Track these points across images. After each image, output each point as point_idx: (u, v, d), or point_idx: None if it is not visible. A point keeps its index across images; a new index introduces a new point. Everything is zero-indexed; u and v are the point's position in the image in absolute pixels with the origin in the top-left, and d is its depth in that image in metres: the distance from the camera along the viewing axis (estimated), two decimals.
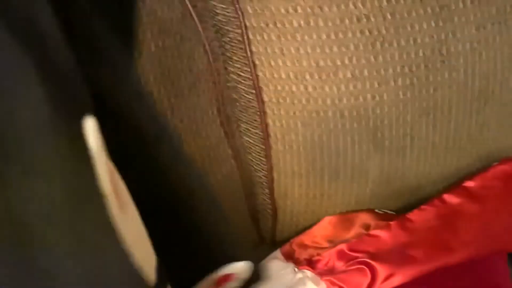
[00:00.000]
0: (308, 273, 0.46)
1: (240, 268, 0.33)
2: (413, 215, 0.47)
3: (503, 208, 0.46)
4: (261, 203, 0.54)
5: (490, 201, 0.47)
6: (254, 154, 0.50)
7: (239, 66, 0.45)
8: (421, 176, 0.50)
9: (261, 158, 0.50)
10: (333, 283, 0.43)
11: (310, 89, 0.44)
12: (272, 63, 0.44)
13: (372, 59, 0.43)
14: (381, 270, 0.42)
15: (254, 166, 0.51)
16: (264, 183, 0.52)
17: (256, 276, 0.47)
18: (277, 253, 0.50)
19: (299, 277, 0.46)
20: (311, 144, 0.47)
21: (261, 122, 0.47)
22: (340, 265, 0.45)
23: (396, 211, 0.51)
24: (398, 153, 0.48)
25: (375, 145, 0.47)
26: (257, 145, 0.49)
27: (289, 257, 0.49)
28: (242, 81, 0.46)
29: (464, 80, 0.46)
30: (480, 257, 0.43)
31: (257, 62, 0.44)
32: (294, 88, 0.44)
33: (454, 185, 0.49)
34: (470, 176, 0.49)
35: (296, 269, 0.48)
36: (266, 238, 0.56)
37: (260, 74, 0.45)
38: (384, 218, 0.49)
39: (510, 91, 0.48)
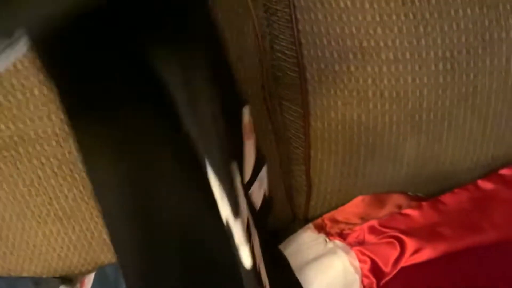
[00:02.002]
0: (339, 243, 0.48)
1: None
2: (446, 197, 0.48)
3: None
4: (296, 180, 0.56)
5: None
6: (293, 131, 0.52)
7: (285, 44, 0.48)
8: (456, 162, 0.51)
9: (299, 135, 0.52)
10: (363, 253, 0.45)
11: (352, 68, 0.46)
12: (317, 42, 0.46)
13: (415, 42, 0.45)
14: (410, 244, 0.44)
15: (293, 143, 0.53)
16: (301, 160, 0.54)
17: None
18: (309, 225, 0.52)
19: (330, 246, 0.48)
20: (350, 123, 0.49)
21: (302, 99, 0.49)
22: (370, 238, 0.47)
23: (429, 197, 0.52)
24: (435, 136, 0.49)
25: (412, 127, 0.49)
26: (297, 122, 0.51)
27: (321, 229, 0.51)
28: (287, 59, 0.48)
29: (506, 68, 0.46)
30: (511, 240, 0.44)
31: (303, 40, 0.46)
32: (336, 67, 0.46)
33: (489, 173, 0.50)
34: (506, 164, 0.50)
35: (327, 240, 0.50)
36: (298, 214, 0.58)
37: (305, 52, 0.47)
38: (417, 200, 0.51)
39: None
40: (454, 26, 0.44)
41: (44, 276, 0.53)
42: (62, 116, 0.41)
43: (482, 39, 0.45)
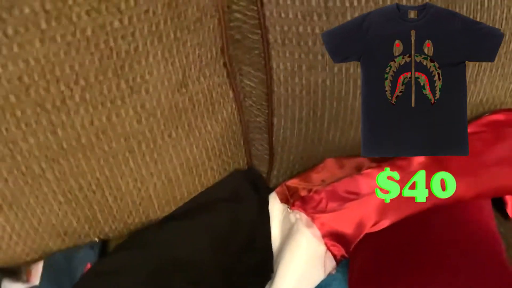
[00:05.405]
0: (300, 215, 0.47)
1: None
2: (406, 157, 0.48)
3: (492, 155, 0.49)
4: (258, 148, 0.54)
5: (477, 148, 0.49)
6: (254, 98, 0.50)
7: (244, 4, 0.44)
8: None
9: (262, 102, 0.50)
10: (325, 224, 0.45)
11: (317, 30, 0.44)
12: (281, 1, 0.43)
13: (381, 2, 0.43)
14: (371, 213, 0.44)
15: (254, 111, 0.51)
16: (263, 128, 0.52)
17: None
18: (273, 194, 0.51)
19: (292, 220, 0.47)
20: (314, 88, 0.47)
21: (265, 64, 0.47)
22: (332, 206, 0.46)
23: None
24: None
25: None
26: (258, 89, 0.49)
27: (284, 198, 0.50)
28: (247, 21, 0.45)
29: None
30: (467, 199, 0.46)
31: (264, 0, 0.43)
32: (301, 29, 0.44)
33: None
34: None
35: (289, 210, 0.49)
36: None
37: (267, 13, 0.44)
38: (379, 161, 0.51)
39: None
40: None
41: None
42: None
43: None
